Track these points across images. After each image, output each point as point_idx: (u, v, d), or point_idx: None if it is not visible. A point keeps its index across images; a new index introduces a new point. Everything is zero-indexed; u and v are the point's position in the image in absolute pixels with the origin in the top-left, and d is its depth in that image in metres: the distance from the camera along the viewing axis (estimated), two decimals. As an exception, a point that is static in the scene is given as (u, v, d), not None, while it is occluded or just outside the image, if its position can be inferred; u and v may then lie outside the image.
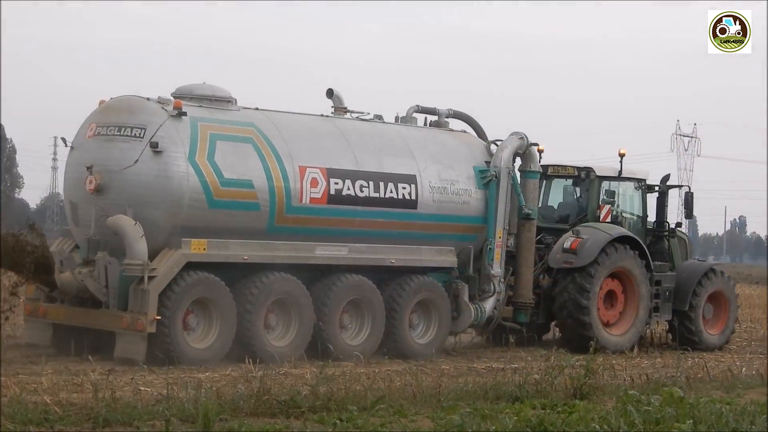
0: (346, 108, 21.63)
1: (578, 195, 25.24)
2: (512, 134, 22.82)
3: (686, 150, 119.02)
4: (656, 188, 25.81)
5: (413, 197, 21.00)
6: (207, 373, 16.95)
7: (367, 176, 20.43)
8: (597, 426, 12.60)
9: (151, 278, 17.93)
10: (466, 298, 21.70)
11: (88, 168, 18.57)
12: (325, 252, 19.92)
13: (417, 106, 22.75)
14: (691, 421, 12.65)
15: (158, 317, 17.86)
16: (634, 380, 17.50)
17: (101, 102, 19.39)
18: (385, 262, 20.69)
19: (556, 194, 25.55)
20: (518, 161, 23.06)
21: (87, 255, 18.56)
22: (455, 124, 23.35)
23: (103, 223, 18.35)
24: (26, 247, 17.70)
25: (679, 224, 26.05)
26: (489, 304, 22.10)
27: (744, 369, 20.26)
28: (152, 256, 18.20)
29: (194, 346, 18.35)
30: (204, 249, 18.49)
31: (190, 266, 18.36)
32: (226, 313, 18.58)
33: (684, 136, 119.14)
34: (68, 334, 18.76)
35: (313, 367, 16.75)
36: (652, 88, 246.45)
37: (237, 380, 15.73)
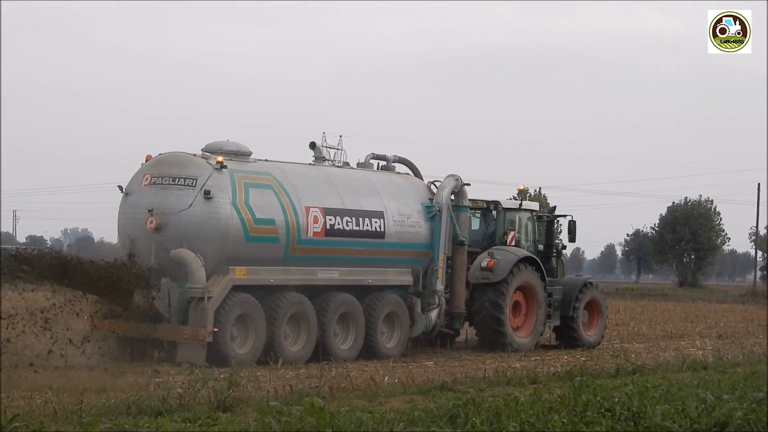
0: (324, 157, 26.56)
1: (485, 223, 30.75)
2: (449, 176, 28.13)
3: (333, 162, 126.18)
4: (545, 217, 31.64)
5: (382, 229, 26.08)
6: None
7: (350, 213, 25.41)
8: (235, 438, 12.88)
9: (208, 298, 22.47)
10: (418, 309, 26.92)
11: (149, 211, 22.94)
12: (324, 275, 24.85)
13: (372, 153, 27.87)
14: (330, 430, 12.86)
15: (215, 329, 22.41)
16: (277, 391, 17.78)
17: (148, 157, 23.73)
18: (364, 282, 25.75)
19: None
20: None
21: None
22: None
23: (163, 255, 22.75)
24: (131, 276, 21.99)
25: (564, 247, 31.90)
26: (434, 314, 27.38)
27: (387, 378, 20.76)
28: (202, 281, 22.71)
29: (238, 351, 22.95)
30: (244, 274, 23.17)
31: (234, 288, 22.99)
32: (258, 326, 23.23)
33: (330, 147, 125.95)
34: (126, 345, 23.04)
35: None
36: (299, 100, 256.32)
37: None
